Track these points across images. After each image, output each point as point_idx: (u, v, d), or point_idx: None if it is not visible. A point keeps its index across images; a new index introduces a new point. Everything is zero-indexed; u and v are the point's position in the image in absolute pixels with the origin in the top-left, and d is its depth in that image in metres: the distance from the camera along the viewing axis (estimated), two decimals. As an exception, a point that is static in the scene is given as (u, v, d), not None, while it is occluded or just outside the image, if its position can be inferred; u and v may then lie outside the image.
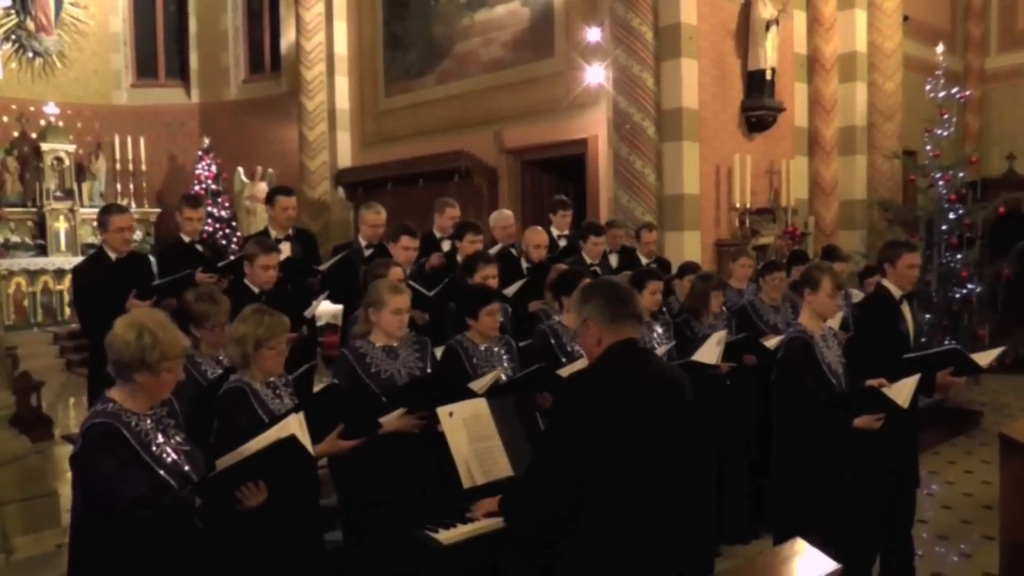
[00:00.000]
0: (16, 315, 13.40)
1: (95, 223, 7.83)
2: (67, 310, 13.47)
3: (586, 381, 3.08)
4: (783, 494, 4.50)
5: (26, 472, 4.91)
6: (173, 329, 2.97)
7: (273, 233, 6.47)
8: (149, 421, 2.95)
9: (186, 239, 6.59)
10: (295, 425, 3.26)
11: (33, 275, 13.65)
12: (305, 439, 3.24)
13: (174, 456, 2.97)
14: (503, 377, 4.48)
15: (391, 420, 3.96)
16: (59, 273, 13.54)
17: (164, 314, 3.09)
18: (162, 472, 2.89)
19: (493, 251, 6.82)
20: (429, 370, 4.34)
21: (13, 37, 15.47)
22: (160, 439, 2.96)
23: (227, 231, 15.18)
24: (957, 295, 9.49)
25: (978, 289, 9.54)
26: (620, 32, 9.77)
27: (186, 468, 2.98)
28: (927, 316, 9.21)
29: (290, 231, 6.61)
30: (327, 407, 3.80)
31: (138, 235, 14.26)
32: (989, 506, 6.25)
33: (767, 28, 10.42)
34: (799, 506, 4.34)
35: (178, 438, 3.05)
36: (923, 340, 5.71)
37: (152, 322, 2.92)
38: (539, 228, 7.06)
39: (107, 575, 2.89)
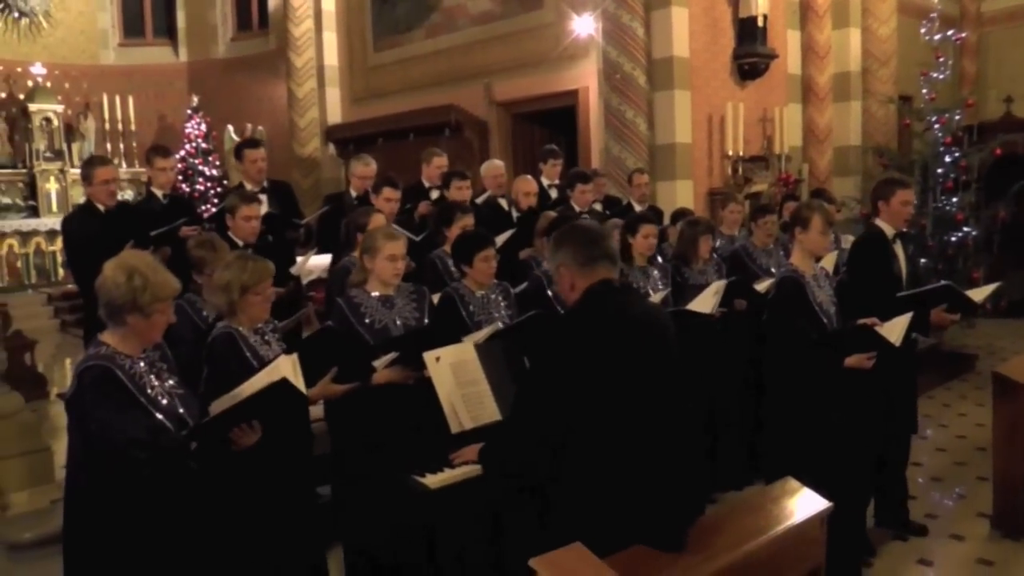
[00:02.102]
0: (10, 277, 13.39)
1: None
2: (61, 271, 13.39)
3: (564, 325, 3.03)
4: (776, 436, 4.50)
5: (20, 428, 4.91)
6: (163, 271, 2.95)
7: (248, 187, 6.35)
8: (143, 364, 2.94)
9: (158, 192, 6.48)
10: (288, 366, 3.25)
11: (26, 236, 13.60)
12: (298, 380, 3.24)
13: (168, 399, 2.97)
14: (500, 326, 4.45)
15: (384, 371, 3.93)
16: (51, 234, 13.40)
17: (155, 258, 3.08)
18: (159, 415, 2.89)
19: (480, 199, 6.78)
20: (426, 321, 4.28)
21: (-3, -3, 15.22)
22: (155, 382, 2.96)
23: (219, 189, 15.09)
24: (953, 238, 9.43)
25: (974, 232, 9.46)
26: (609, -19, 9.63)
27: (181, 411, 2.98)
28: (923, 260, 9.16)
29: (264, 183, 6.49)
30: (321, 350, 3.79)
31: (130, 194, 14.20)
32: (983, 447, 6.27)
33: (758, -26, 10.25)
34: (792, 447, 4.34)
35: (171, 381, 3.04)
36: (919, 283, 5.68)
37: (142, 264, 2.91)
38: (528, 177, 7.02)
39: (104, 520, 2.89)
